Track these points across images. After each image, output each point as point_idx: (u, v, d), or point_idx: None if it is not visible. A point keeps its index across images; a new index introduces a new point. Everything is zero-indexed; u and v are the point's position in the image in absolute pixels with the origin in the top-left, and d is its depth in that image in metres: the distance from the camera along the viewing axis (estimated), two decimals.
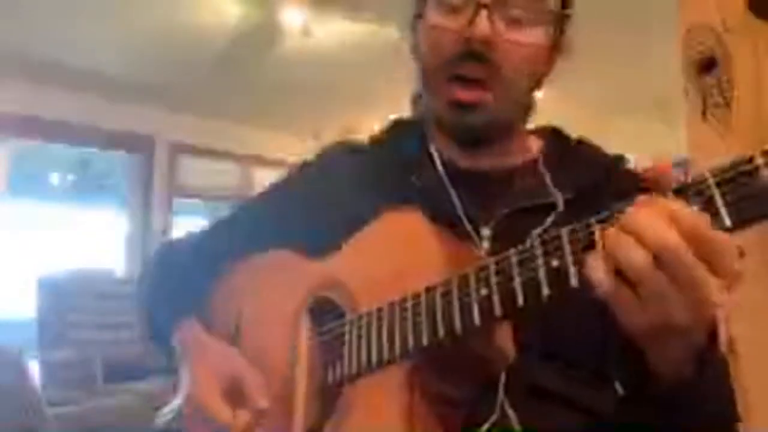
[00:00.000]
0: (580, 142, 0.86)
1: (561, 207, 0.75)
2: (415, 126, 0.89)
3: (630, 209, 0.50)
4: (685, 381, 0.57)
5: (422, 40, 0.80)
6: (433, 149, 0.84)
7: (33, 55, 3.94)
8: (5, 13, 3.39)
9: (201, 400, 0.75)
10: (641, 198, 0.51)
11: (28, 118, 4.30)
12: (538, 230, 0.71)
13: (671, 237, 0.47)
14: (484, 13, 0.72)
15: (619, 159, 0.84)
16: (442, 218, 0.73)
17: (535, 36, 0.75)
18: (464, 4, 0.74)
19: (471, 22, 0.72)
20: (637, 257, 0.48)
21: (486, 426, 0.66)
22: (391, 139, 0.90)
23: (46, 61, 4.01)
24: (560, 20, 0.78)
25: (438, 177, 0.81)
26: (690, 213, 0.48)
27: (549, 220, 0.74)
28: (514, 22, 0.74)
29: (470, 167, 0.82)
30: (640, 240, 0.48)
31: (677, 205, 0.49)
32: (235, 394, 0.75)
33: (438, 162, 0.83)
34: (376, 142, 0.91)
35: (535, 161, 0.82)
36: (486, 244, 0.75)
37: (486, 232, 0.75)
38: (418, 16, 0.81)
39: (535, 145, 0.86)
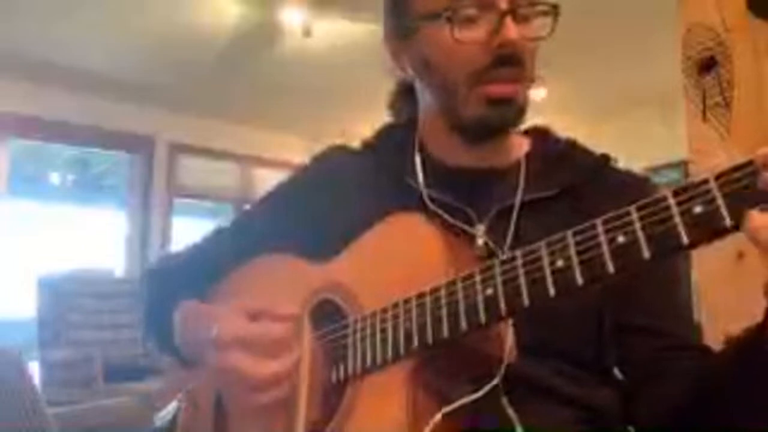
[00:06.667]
0: (567, 141, 0.88)
1: (551, 201, 0.77)
2: (405, 130, 0.90)
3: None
4: None
5: (438, 54, 0.79)
6: (429, 152, 0.85)
7: (33, 55, 3.94)
8: (5, 13, 3.39)
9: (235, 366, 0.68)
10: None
11: (28, 118, 4.31)
12: (511, 233, 0.75)
13: None
14: (508, 18, 0.73)
15: (605, 158, 0.85)
16: (438, 219, 0.74)
17: (542, 28, 0.77)
18: (481, 14, 0.74)
19: (498, 30, 0.73)
20: None
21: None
22: (382, 143, 0.91)
23: (46, 61, 4.01)
24: (556, 10, 0.78)
25: (433, 179, 0.82)
26: None
27: (513, 219, 0.76)
28: (526, 20, 0.76)
29: (470, 166, 0.83)
30: None
31: None
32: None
33: (432, 164, 0.84)
34: (368, 146, 0.93)
35: (524, 159, 0.84)
36: (480, 242, 0.76)
37: (480, 228, 0.77)
38: (411, 30, 0.81)
39: (524, 143, 0.87)
